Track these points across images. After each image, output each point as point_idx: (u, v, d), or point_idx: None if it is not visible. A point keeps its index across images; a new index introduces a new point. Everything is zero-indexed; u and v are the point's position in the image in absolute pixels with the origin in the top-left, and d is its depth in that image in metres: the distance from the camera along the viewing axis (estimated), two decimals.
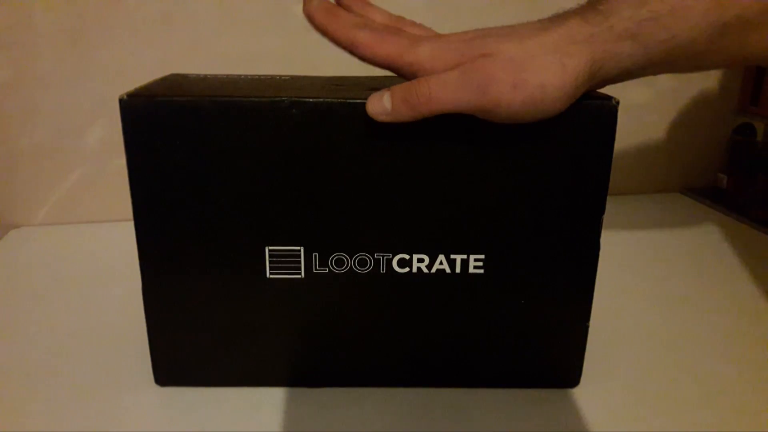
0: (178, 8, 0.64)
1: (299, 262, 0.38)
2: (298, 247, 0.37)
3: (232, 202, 0.36)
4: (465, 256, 0.37)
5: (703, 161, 0.82)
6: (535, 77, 0.32)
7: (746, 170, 0.76)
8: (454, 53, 0.33)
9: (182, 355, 0.40)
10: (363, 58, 0.35)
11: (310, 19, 0.36)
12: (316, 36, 0.66)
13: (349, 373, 0.41)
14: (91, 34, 0.63)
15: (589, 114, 0.35)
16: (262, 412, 0.39)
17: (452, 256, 0.37)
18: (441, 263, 0.38)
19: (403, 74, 0.35)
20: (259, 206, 0.36)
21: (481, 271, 0.38)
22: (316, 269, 0.38)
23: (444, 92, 0.32)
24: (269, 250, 0.37)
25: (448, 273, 0.38)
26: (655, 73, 0.34)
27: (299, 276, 0.38)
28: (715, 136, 0.80)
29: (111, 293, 0.53)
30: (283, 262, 0.38)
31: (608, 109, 0.35)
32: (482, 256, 0.38)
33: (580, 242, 0.37)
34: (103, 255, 0.61)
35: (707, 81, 0.78)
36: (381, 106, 0.34)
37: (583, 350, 0.40)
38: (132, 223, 0.37)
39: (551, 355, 0.40)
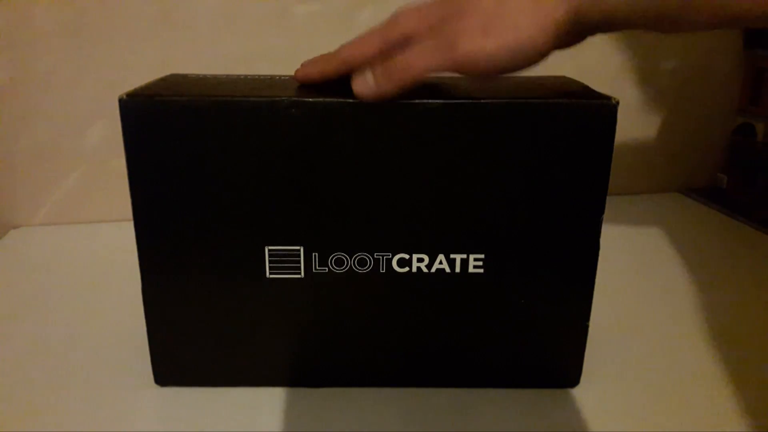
0: (178, 8, 0.64)
1: (299, 262, 0.38)
2: (298, 247, 0.37)
3: (232, 202, 0.36)
4: (465, 256, 0.38)
5: (703, 161, 0.82)
6: (507, 20, 0.32)
7: (746, 170, 0.76)
8: (434, 16, 0.34)
9: (182, 355, 0.40)
10: (354, 62, 0.36)
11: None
12: (316, 36, 0.66)
13: (349, 373, 0.41)
14: (91, 34, 0.64)
15: (589, 114, 0.35)
16: (262, 412, 0.39)
17: (452, 256, 0.37)
18: (441, 263, 0.38)
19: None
20: (259, 206, 0.36)
21: (481, 270, 0.38)
22: (315, 269, 0.38)
23: (420, 58, 0.33)
24: (269, 250, 0.37)
25: (448, 273, 0.38)
26: (641, 27, 0.34)
27: (299, 276, 0.38)
28: (715, 136, 0.80)
29: (111, 293, 0.53)
30: (283, 262, 0.38)
31: (608, 109, 0.35)
32: (482, 256, 0.38)
33: (580, 242, 0.37)
34: (103, 255, 0.61)
35: (707, 81, 0.78)
36: (366, 85, 0.34)
37: (583, 350, 0.40)
38: (132, 223, 0.37)
39: (551, 355, 0.40)
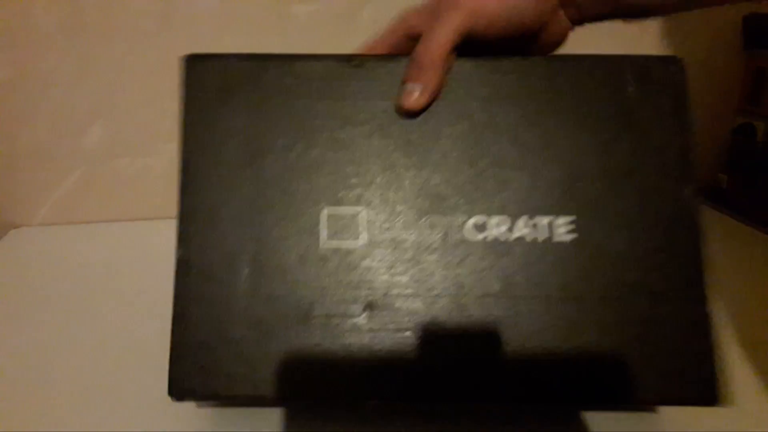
0: (178, 8, 0.64)
1: None
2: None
3: (285, 170, 0.35)
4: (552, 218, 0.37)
5: (703, 161, 0.82)
6: None
7: (746, 170, 0.77)
8: (432, 3, 0.36)
9: (197, 368, 0.38)
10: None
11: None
12: (316, 36, 0.65)
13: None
14: (91, 33, 0.63)
15: (663, 68, 0.38)
16: (269, 420, 0.39)
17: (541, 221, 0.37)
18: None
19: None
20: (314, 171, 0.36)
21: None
22: None
23: (433, 35, 0.34)
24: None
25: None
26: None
27: None
28: (715, 136, 0.80)
29: (111, 293, 0.53)
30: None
31: (678, 63, 0.38)
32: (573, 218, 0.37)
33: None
34: (103, 255, 0.61)
35: (707, 81, 0.78)
36: (413, 95, 0.35)
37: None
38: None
39: None
